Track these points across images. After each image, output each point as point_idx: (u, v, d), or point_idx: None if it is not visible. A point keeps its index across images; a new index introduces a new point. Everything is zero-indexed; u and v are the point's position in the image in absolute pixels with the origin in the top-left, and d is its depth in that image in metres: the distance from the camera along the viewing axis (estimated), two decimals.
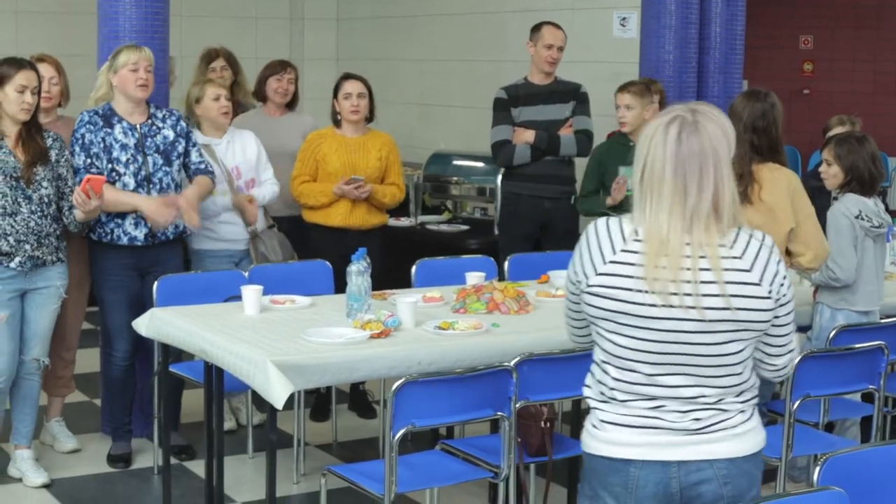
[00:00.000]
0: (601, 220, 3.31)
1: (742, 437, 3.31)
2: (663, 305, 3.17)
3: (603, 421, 3.32)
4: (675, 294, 3.16)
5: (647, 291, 3.17)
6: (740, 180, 5.20)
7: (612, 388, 3.30)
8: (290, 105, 7.63)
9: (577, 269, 3.32)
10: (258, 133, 6.91)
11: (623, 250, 3.23)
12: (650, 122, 3.30)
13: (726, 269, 3.19)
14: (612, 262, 3.24)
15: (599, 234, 3.29)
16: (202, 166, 6.35)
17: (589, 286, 3.27)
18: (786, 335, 3.36)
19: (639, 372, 3.26)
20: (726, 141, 3.22)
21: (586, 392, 3.42)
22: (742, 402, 3.31)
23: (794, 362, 3.57)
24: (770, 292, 3.22)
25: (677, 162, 3.16)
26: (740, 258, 3.22)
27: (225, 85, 6.93)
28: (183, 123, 6.33)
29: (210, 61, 7.61)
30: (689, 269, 3.16)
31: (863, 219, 5.67)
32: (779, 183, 5.27)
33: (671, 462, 3.25)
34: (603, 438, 3.31)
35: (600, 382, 3.35)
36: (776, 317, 3.29)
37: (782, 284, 3.26)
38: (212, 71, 7.50)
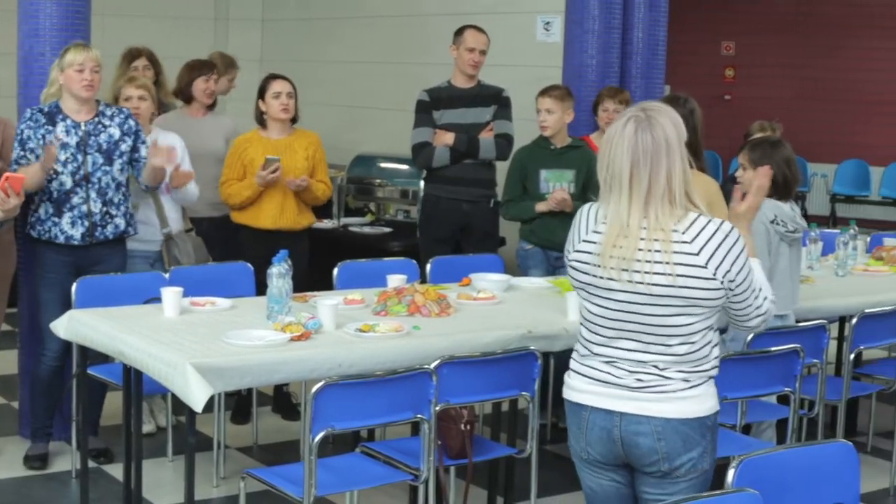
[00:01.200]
0: (586, 205, 3.87)
1: (681, 401, 3.76)
2: (616, 280, 3.70)
3: (572, 370, 3.93)
4: (625, 270, 3.69)
5: (603, 267, 3.71)
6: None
7: (583, 346, 3.90)
8: (211, 105, 7.60)
9: (567, 246, 3.89)
10: (180, 133, 6.87)
11: (593, 231, 3.79)
12: (612, 125, 3.78)
13: (676, 252, 3.67)
14: (584, 240, 3.81)
15: (581, 217, 3.85)
16: None
17: (569, 261, 3.87)
18: (744, 308, 3.83)
19: (600, 335, 3.82)
20: (676, 131, 3.72)
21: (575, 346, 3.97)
22: (689, 372, 3.77)
23: (770, 315, 3.95)
24: (715, 275, 3.68)
25: (633, 155, 3.66)
26: (690, 242, 3.68)
27: (146, 84, 6.88)
28: (131, 122, 6.29)
29: (132, 60, 7.55)
30: (641, 249, 3.68)
31: (778, 223, 5.72)
32: (697, 189, 5.31)
33: (614, 412, 3.79)
34: (568, 384, 3.92)
35: (578, 339, 3.93)
36: (733, 293, 3.76)
37: (729, 270, 3.70)
38: (134, 70, 7.44)
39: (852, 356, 6.05)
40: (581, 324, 3.92)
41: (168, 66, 7.66)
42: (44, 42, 6.27)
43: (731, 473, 3.52)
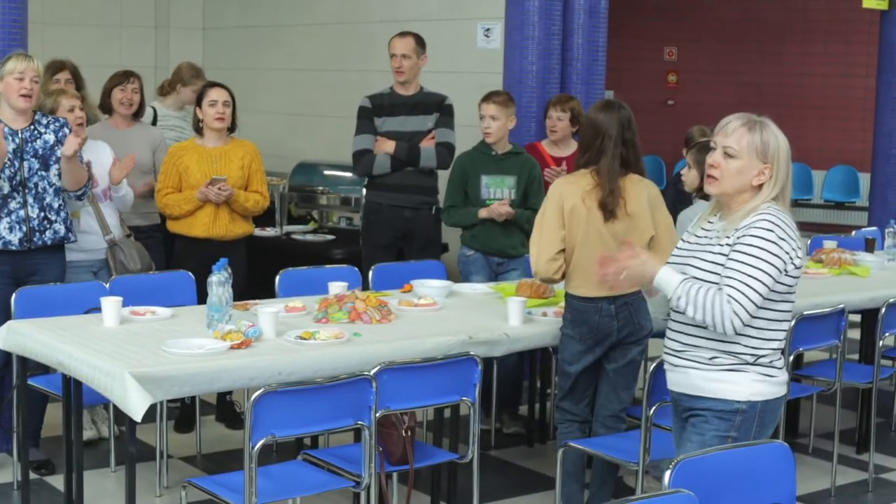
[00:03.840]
0: (780, 212, 4.14)
1: None
2: None
3: (775, 368, 4.26)
4: None
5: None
6: (610, 196, 5.29)
7: (771, 344, 4.23)
8: (136, 115, 7.55)
9: (788, 252, 4.10)
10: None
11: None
12: (770, 132, 4.18)
13: None
14: (799, 246, 4.17)
15: (786, 221, 4.13)
16: None
17: (796, 267, 4.15)
18: None
19: (785, 330, 4.26)
20: None
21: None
22: None
23: None
24: None
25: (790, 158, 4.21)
26: None
27: (76, 95, 6.85)
28: (66, 130, 6.26)
29: (55, 73, 7.49)
30: None
31: None
32: (641, 194, 5.37)
33: None
34: (780, 381, 4.27)
35: (758, 344, 4.19)
36: None
37: None
38: (55, 82, 7.38)
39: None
40: (763, 328, 4.16)
41: (108, 76, 7.59)
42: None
43: (667, 474, 3.55)
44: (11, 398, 6.20)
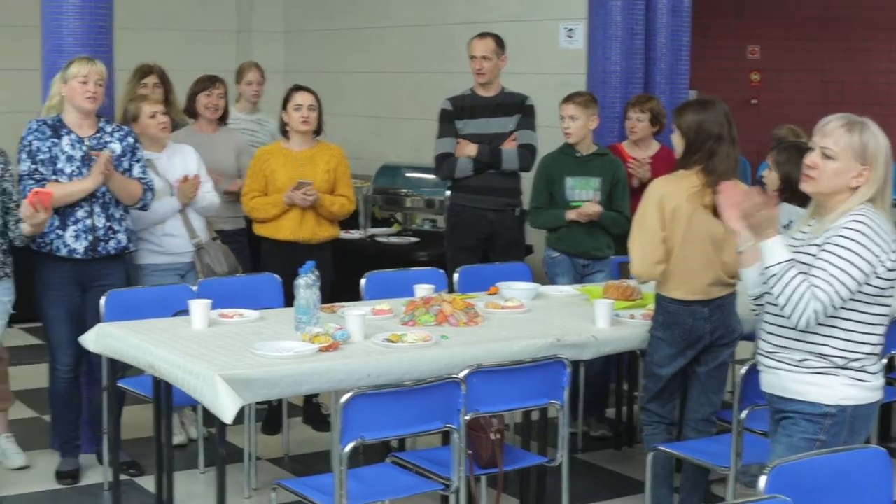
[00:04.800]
0: (875, 214, 4.06)
1: None
2: None
3: (868, 373, 4.19)
4: None
5: None
6: None
7: (868, 346, 4.17)
8: (221, 119, 7.57)
9: (877, 256, 4.03)
10: None
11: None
12: (870, 133, 4.11)
13: None
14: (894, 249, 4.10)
15: (878, 222, 4.06)
16: (145, 184, 6.30)
17: (888, 269, 4.07)
18: None
19: (881, 334, 4.18)
20: None
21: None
22: None
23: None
24: None
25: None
26: None
27: (160, 101, 6.90)
28: (131, 139, 6.29)
29: (142, 77, 7.53)
30: None
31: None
32: None
33: None
34: (874, 386, 4.23)
35: (851, 347, 4.13)
36: None
37: None
38: (143, 87, 7.42)
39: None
40: (854, 330, 4.11)
41: (190, 80, 7.63)
42: (67, 57, 6.25)
43: (762, 479, 3.50)
44: (99, 399, 6.25)
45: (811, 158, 4.15)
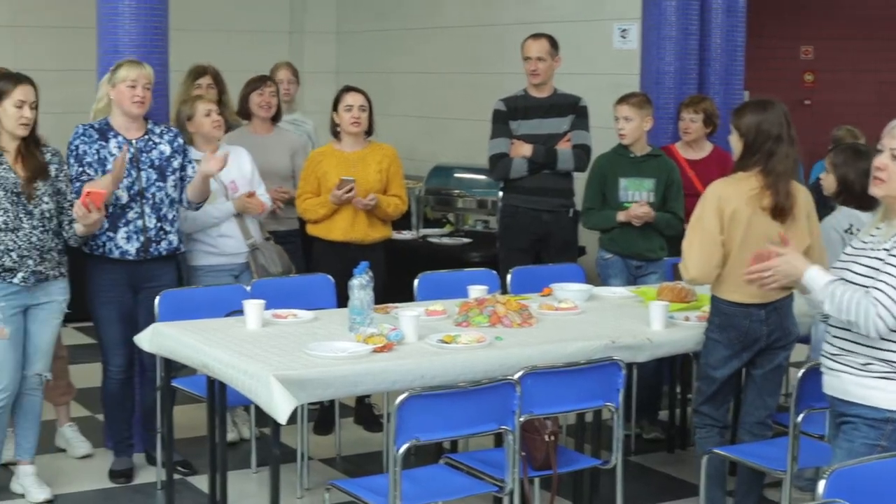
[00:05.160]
0: None
1: None
2: None
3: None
4: None
5: None
6: (786, 199, 5.17)
7: None
8: (275, 118, 7.58)
9: None
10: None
11: None
12: None
13: None
14: None
15: None
16: None
17: None
18: None
19: None
20: None
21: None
22: None
23: None
24: None
25: None
26: None
27: (213, 100, 6.92)
28: (180, 140, 6.31)
29: (196, 78, 7.56)
30: None
31: (853, 233, 5.61)
32: (800, 199, 5.26)
33: None
34: None
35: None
36: None
37: None
38: (197, 88, 7.45)
39: None
40: None
41: (243, 81, 7.64)
42: (123, 58, 6.28)
43: (821, 484, 3.47)
44: (152, 399, 6.28)
45: (881, 160, 4.10)
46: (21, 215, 5.73)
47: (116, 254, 6.12)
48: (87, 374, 7.13)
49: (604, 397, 4.99)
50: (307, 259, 7.31)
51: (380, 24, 11.49)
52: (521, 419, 4.67)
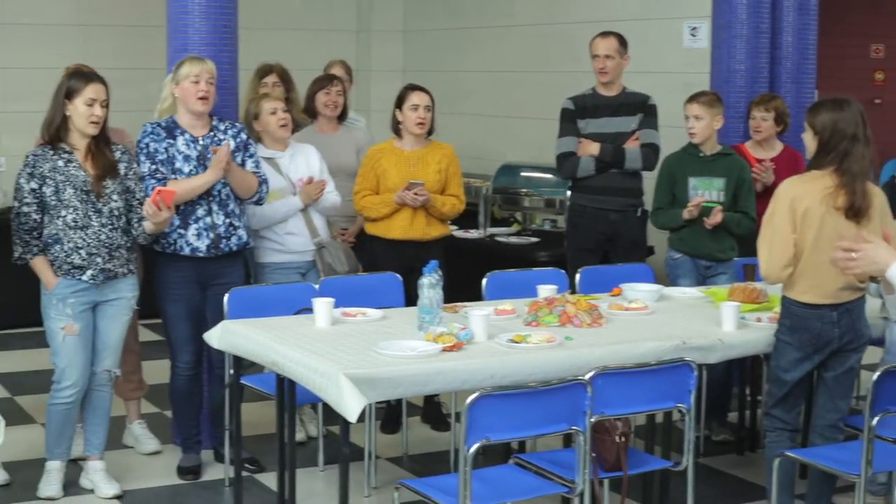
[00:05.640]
0: None
1: None
2: None
3: None
4: None
5: None
6: (862, 199, 5.11)
7: None
8: (341, 117, 7.57)
9: None
10: None
11: None
12: None
13: None
14: None
15: None
16: (260, 177, 6.33)
17: None
18: None
19: None
20: None
21: None
22: None
23: None
24: None
25: None
26: None
27: (279, 97, 6.91)
28: (243, 135, 6.33)
29: (263, 77, 7.58)
30: None
31: None
32: (874, 198, 5.19)
33: None
34: None
35: None
36: None
37: None
38: (263, 86, 7.47)
39: None
40: None
41: (310, 79, 7.64)
42: None
43: None
44: (221, 396, 6.30)
45: None
46: (90, 213, 5.76)
47: (187, 251, 6.14)
48: (156, 371, 7.16)
49: (675, 398, 4.94)
50: (364, 257, 7.30)
51: (447, 23, 11.47)
52: (592, 420, 4.63)
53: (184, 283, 6.21)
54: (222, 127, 6.30)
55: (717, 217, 6.81)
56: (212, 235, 6.16)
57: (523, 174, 9.47)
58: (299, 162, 6.70)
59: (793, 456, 5.25)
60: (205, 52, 6.35)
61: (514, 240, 8.99)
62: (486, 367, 4.76)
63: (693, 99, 6.98)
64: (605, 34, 7.47)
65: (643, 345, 5.10)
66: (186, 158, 6.13)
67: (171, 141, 6.15)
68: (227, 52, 6.58)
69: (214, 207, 6.17)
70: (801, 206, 5.11)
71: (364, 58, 11.52)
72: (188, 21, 6.52)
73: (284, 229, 6.63)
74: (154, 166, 6.10)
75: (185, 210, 6.12)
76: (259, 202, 6.39)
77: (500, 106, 10.82)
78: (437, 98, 7.10)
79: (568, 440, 5.57)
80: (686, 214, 6.88)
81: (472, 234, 9.03)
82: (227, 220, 6.21)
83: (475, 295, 6.25)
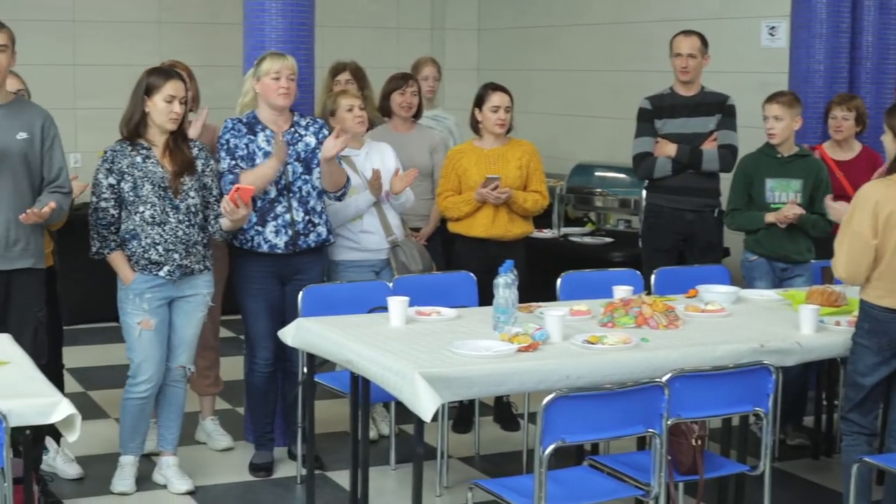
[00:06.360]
0: None
1: None
2: None
3: None
4: None
5: None
6: None
7: None
8: (416, 116, 7.55)
9: None
10: None
11: None
12: None
13: None
14: None
15: None
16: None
17: None
18: None
19: None
20: None
21: None
22: None
23: None
24: None
25: None
26: None
27: (357, 95, 6.90)
28: (325, 131, 6.33)
29: (336, 74, 7.57)
30: None
31: None
32: None
33: None
34: None
35: None
36: None
37: None
38: (336, 84, 7.46)
39: None
40: None
41: (384, 77, 7.63)
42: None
43: None
44: (295, 394, 6.31)
45: None
46: (168, 209, 5.79)
47: (265, 248, 6.16)
48: (228, 368, 7.18)
49: (753, 402, 4.87)
50: (447, 256, 7.29)
51: (522, 21, 11.43)
52: (669, 422, 4.59)
53: (263, 278, 6.22)
54: (303, 123, 6.31)
55: (793, 209, 6.71)
56: (290, 232, 6.18)
57: (597, 174, 9.41)
58: (374, 160, 6.69)
59: (871, 461, 5.17)
60: (281, 50, 6.35)
61: (587, 240, 8.94)
62: (562, 368, 4.72)
63: (773, 99, 6.90)
64: (688, 33, 7.40)
65: (720, 347, 5.04)
66: (267, 155, 6.15)
67: (252, 137, 6.17)
68: (304, 49, 6.58)
69: (294, 204, 6.19)
70: (884, 210, 5.03)
71: (438, 56, 11.41)
72: (265, 18, 6.53)
73: (359, 227, 6.63)
74: (233, 162, 6.13)
75: (263, 207, 6.14)
76: (340, 198, 6.39)
77: (574, 104, 10.76)
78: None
79: (641, 442, 5.52)
80: (771, 218, 6.79)
81: (546, 233, 8.99)
82: (307, 217, 6.21)
83: (548, 295, 6.21)
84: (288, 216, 6.18)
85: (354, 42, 10.62)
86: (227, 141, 6.17)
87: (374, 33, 11.50)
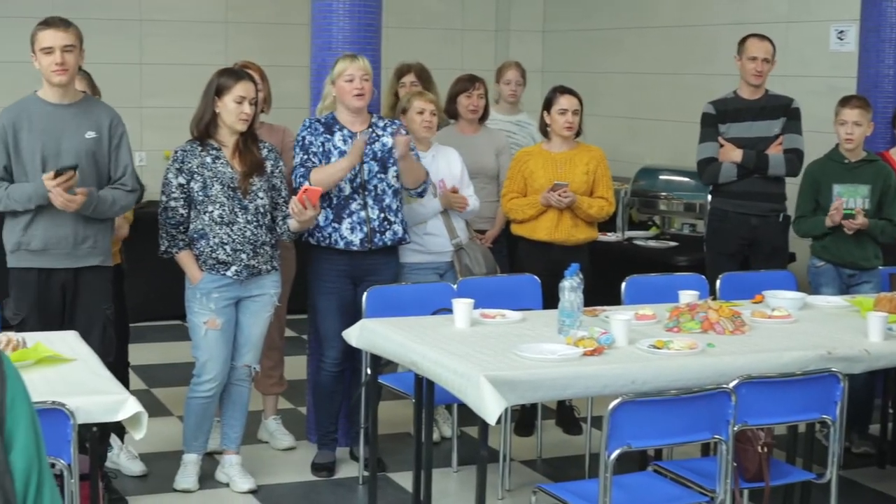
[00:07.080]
0: None
1: None
2: None
3: None
4: None
5: None
6: None
7: None
8: (482, 119, 7.54)
9: None
10: None
11: None
12: None
13: None
14: None
15: None
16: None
17: None
18: None
19: None
20: None
21: None
22: None
23: None
24: None
25: None
26: None
27: (432, 99, 6.90)
28: (402, 132, 6.34)
29: (401, 76, 7.58)
30: None
31: None
32: None
33: None
34: None
35: None
36: None
37: None
38: (401, 86, 7.47)
39: None
40: None
41: (448, 79, 7.62)
42: (336, 55, 6.33)
43: None
44: (359, 394, 6.32)
45: None
46: (236, 210, 5.82)
47: (341, 244, 6.18)
48: (291, 368, 7.20)
49: (820, 410, 4.83)
50: (511, 259, 7.28)
51: (587, 23, 11.39)
52: (735, 429, 4.56)
53: (336, 277, 6.24)
54: (381, 124, 6.34)
55: (858, 220, 6.66)
56: (366, 229, 6.20)
57: (662, 177, 9.36)
58: (441, 164, 6.69)
59: None
60: (348, 51, 6.37)
61: (652, 244, 8.89)
62: (628, 373, 4.70)
63: (849, 103, 6.83)
64: (761, 37, 7.33)
65: (787, 354, 5.00)
66: (342, 154, 6.18)
67: (328, 136, 6.20)
68: (371, 50, 6.59)
69: (369, 202, 6.21)
70: None
71: (502, 58, 11.41)
72: (332, 20, 6.55)
73: (424, 230, 6.64)
74: (305, 157, 6.15)
75: (338, 204, 6.17)
76: (422, 194, 6.41)
77: (639, 108, 10.71)
78: None
79: (706, 448, 5.49)
80: (829, 221, 6.75)
81: (610, 236, 8.95)
82: (382, 215, 6.23)
83: (611, 298, 6.18)
84: (363, 213, 6.20)
85: (419, 43, 10.63)
86: (304, 138, 6.20)
87: (439, 34, 11.50)
